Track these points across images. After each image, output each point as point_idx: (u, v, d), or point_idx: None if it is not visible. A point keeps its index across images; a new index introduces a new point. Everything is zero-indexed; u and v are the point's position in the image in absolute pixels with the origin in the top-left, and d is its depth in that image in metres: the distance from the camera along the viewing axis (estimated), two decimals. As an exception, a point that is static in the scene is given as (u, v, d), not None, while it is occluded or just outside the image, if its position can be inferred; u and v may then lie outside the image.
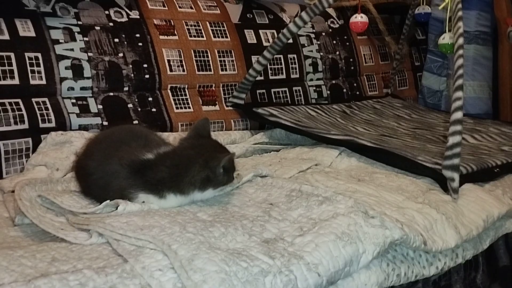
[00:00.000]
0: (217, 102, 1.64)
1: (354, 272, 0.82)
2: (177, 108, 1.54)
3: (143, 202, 0.91)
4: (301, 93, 1.87)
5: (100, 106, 1.39)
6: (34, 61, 1.31)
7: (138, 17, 1.53)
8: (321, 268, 0.76)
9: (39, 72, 1.31)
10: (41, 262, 0.72)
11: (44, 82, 1.32)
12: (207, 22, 1.68)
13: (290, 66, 1.85)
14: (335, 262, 0.78)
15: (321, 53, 1.96)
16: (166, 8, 1.61)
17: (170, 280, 0.69)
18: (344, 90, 2.02)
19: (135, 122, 1.43)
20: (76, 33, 1.39)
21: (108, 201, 0.90)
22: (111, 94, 1.43)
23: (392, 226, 0.87)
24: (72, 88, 1.36)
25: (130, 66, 1.46)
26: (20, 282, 0.61)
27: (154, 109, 1.49)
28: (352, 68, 2.06)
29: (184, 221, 0.84)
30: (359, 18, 1.64)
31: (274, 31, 1.84)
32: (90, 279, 0.65)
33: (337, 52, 2.01)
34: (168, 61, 1.54)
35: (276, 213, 0.91)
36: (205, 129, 1.02)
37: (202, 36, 1.65)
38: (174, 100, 1.54)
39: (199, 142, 0.99)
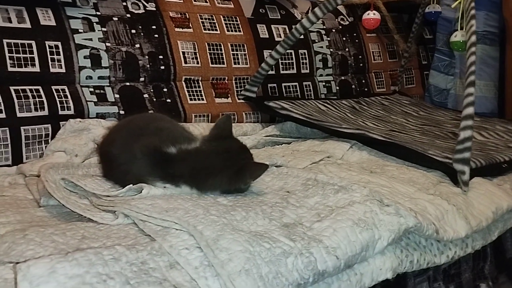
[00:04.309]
0: (229, 95, 1.67)
1: (370, 257, 0.85)
2: (191, 99, 1.57)
3: (165, 187, 0.94)
4: (311, 88, 1.90)
5: (117, 95, 1.42)
6: (54, 50, 1.34)
7: (155, 9, 1.56)
8: (339, 252, 0.79)
9: (59, 61, 1.34)
10: (72, 239, 0.75)
11: (63, 70, 1.34)
12: (221, 16, 1.71)
13: (301, 61, 1.88)
14: (352, 247, 0.81)
15: (331, 49, 1.99)
16: (182, 1, 1.64)
17: (197, 259, 0.71)
18: (353, 86, 2.05)
19: (151, 112, 1.46)
20: (94, 23, 1.42)
21: (131, 185, 0.92)
22: (128, 84, 1.46)
23: (406, 214, 0.89)
24: (90, 77, 1.39)
25: (146, 57, 1.49)
26: (58, 255, 0.64)
27: (169, 100, 1.52)
28: (361, 65, 2.09)
29: (207, 205, 0.86)
30: (371, 15, 1.67)
31: (286, 26, 1.87)
32: (123, 254, 0.68)
33: (347, 49, 2.04)
34: (183, 53, 1.57)
35: (293, 200, 0.94)
36: (227, 128, 1.00)
37: (216, 30, 1.68)
38: (188, 91, 1.57)
39: (223, 146, 0.96)
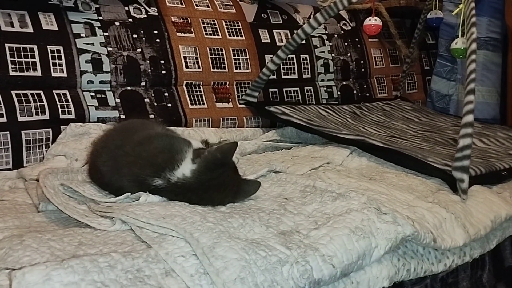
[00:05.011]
0: (230, 100, 1.68)
1: (366, 265, 0.85)
2: (192, 104, 1.57)
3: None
4: (312, 93, 1.90)
5: (118, 100, 1.43)
6: (56, 54, 1.34)
7: (157, 14, 1.57)
8: (336, 260, 0.79)
9: (60, 65, 1.35)
10: (69, 246, 0.75)
11: (65, 74, 1.35)
12: (223, 21, 1.72)
13: (302, 66, 1.88)
14: (348, 255, 0.81)
15: (333, 55, 1.99)
16: (184, 6, 1.64)
17: (193, 266, 0.72)
18: (354, 92, 2.05)
19: (151, 116, 1.47)
20: (96, 28, 1.43)
21: (129, 193, 0.93)
22: (129, 88, 1.46)
23: (403, 222, 0.89)
24: (92, 82, 1.40)
25: (148, 61, 1.50)
26: (54, 262, 0.64)
27: (169, 105, 1.52)
28: (363, 70, 2.09)
29: (204, 212, 0.87)
30: (373, 21, 1.67)
31: (288, 31, 1.87)
32: (118, 261, 0.68)
33: (349, 54, 2.04)
34: (184, 57, 1.58)
35: (291, 207, 0.94)
36: (229, 155, 0.94)
37: (218, 34, 1.68)
38: (189, 96, 1.58)
39: (221, 178, 0.92)
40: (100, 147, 1.02)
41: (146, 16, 1.54)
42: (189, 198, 0.90)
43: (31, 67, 1.30)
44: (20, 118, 1.25)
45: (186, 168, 0.90)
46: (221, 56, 1.67)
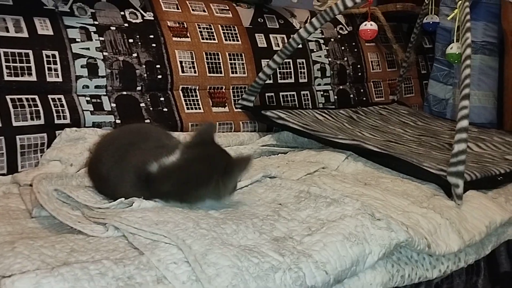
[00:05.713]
0: (226, 104, 1.67)
1: (360, 272, 0.85)
2: (188, 108, 1.57)
3: (155, 201, 0.94)
4: (309, 97, 1.90)
5: (114, 105, 1.42)
6: (51, 59, 1.34)
7: (153, 18, 1.57)
8: (329, 267, 0.79)
9: (55, 70, 1.35)
10: (61, 253, 0.75)
11: (60, 79, 1.35)
12: (219, 25, 1.71)
13: (299, 70, 1.88)
14: (342, 262, 0.81)
15: (330, 59, 1.99)
16: (180, 11, 1.64)
17: (185, 273, 0.71)
18: (351, 96, 2.05)
19: (147, 121, 1.47)
20: (92, 33, 1.43)
21: (122, 198, 0.92)
22: (124, 93, 1.46)
23: (397, 228, 0.89)
24: (87, 86, 1.39)
25: (144, 66, 1.50)
26: (44, 270, 0.64)
27: (165, 109, 1.52)
28: (360, 74, 2.09)
29: (197, 218, 0.86)
30: (368, 26, 1.67)
31: (284, 35, 1.87)
32: (110, 269, 0.68)
33: (345, 58, 2.05)
34: (180, 62, 1.58)
35: (285, 213, 0.94)
36: (209, 135, 0.98)
37: (214, 39, 1.68)
38: (185, 100, 1.58)
39: (205, 152, 0.94)
40: (109, 143, 1.03)
41: (142, 20, 1.54)
42: (176, 180, 0.91)
43: (26, 72, 1.29)
44: (15, 123, 1.25)
45: (175, 156, 0.93)
46: (217, 61, 1.67)
